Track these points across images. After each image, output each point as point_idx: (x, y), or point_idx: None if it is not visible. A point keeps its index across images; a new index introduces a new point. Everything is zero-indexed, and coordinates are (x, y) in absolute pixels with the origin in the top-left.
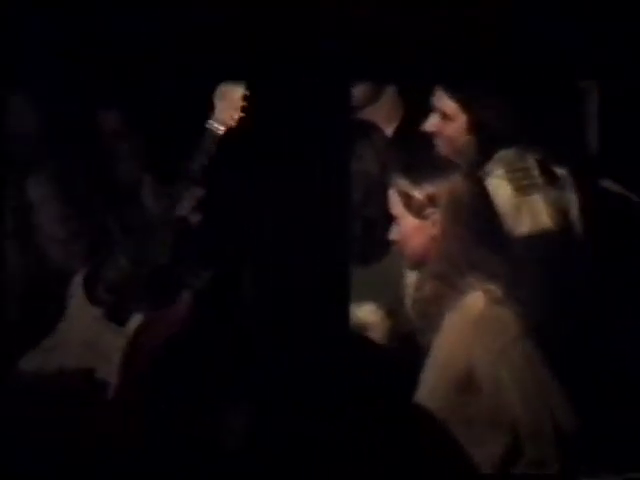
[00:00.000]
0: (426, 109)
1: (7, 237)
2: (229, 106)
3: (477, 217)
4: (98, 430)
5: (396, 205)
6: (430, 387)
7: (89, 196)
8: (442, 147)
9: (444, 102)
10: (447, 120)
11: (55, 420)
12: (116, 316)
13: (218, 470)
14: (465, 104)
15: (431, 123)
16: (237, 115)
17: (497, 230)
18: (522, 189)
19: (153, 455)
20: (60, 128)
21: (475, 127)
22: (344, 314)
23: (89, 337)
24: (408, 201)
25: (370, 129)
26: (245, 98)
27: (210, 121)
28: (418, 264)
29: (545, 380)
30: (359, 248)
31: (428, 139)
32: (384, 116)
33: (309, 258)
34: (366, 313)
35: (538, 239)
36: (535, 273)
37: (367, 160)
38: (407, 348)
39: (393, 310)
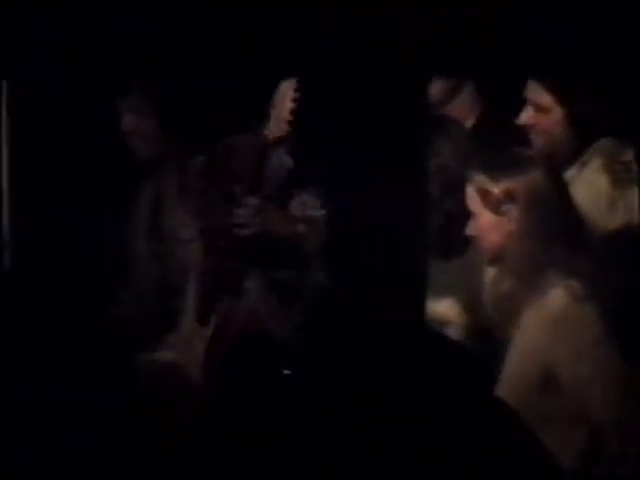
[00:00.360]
0: (505, 105)
1: (141, 236)
2: (280, 113)
3: (556, 213)
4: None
5: (473, 201)
6: (509, 385)
7: (213, 196)
8: (536, 140)
9: (539, 94)
10: (542, 113)
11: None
12: (201, 317)
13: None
14: (561, 96)
15: (526, 116)
16: (286, 126)
17: (578, 226)
18: (620, 183)
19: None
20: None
21: (571, 119)
22: (420, 309)
23: (190, 333)
24: (485, 197)
25: (449, 123)
26: (296, 99)
27: (265, 130)
28: (496, 260)
29: (628, 379)
30: (440, 243)
31: (506, 135)
32: (463, 112)
33: (384, 252)
34: (444, 308)
35: (627, 235)
36: (619, 270)
37: (446, 154)
38: (484, 344)
39: (471, 306)
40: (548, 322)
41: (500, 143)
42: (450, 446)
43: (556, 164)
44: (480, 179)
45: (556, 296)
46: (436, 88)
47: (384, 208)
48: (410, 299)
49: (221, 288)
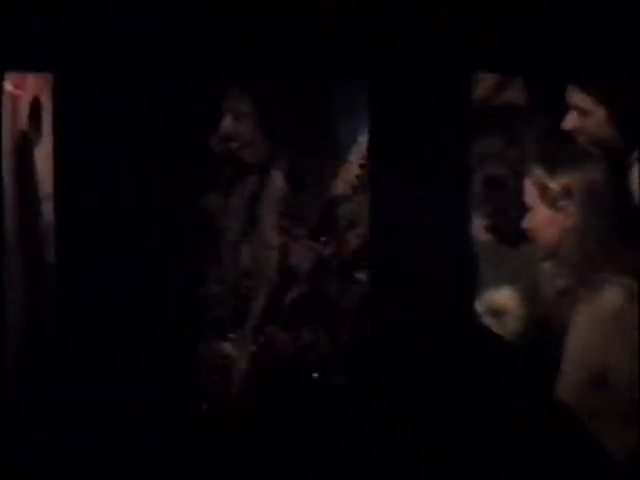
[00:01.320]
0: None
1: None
2: (347, 175)
3: (613, 210)
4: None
5: (531, 195)
6: (565, 382)
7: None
8: (585, 142)
9: (579, 98)
10: (585, 115)
11: None
12: (251, 335)
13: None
14: (601, 97)
15: (570, 120)
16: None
17: (635, 223)
18: None
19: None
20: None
21: (615, 118)
22: (471, 303)
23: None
24: (543, 192)
25: (514, 113)
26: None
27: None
28: (551, 255)
29: None
30: (510, 230)
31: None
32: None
33: (435, 245)
34: (502, 297)
35: None
36: None
37: (518, 143)
38: (542, 335)
39: (529, 296)
40: (604, 320)
41: (558, 137)
42: (507, 441)
43: (614, 160)
44: (538, 173)
45: (612, 295)
46: (484, 84)
47: (434, 197)
48: (460, 291)
49: (277, 314)
